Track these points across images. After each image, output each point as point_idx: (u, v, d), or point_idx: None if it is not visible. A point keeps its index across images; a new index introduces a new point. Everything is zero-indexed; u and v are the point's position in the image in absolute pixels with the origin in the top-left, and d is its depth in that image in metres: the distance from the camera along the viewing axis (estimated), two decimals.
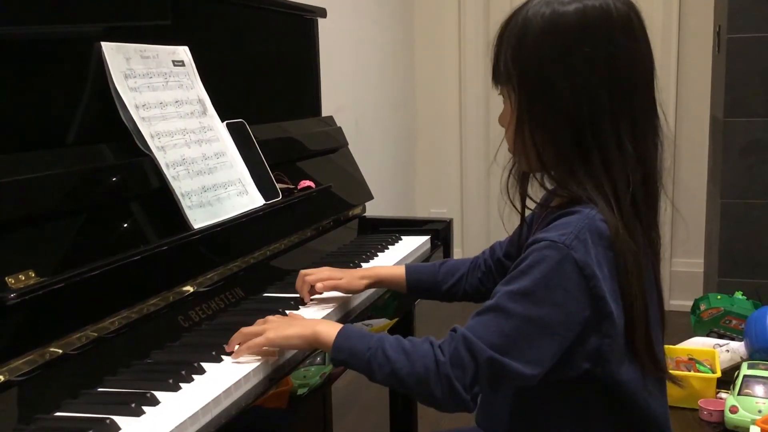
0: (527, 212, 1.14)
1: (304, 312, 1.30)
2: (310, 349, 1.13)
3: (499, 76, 1.04)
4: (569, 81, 0.97)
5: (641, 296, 0.99)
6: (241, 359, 1.07)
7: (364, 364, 1.02)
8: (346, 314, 1.35)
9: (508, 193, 1.10)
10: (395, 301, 1.48)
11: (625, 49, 0.97)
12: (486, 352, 0.95)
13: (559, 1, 0.98)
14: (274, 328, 1.08)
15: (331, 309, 1.31)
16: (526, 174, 1.09)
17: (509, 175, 1.09)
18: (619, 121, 0.98)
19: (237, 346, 1.09)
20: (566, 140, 0.98)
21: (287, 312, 1.27)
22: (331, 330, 1.06)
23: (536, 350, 0.95)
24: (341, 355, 1.04)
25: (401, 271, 1.37)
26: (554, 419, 1.07)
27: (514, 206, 1.11)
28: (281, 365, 1.11)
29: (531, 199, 1.12)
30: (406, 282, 1.37)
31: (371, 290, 1.44)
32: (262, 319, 1.13)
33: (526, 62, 0.99)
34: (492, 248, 1.37)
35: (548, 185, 1.09)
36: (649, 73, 1.01)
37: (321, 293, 1.35)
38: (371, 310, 1.41)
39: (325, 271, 1.35)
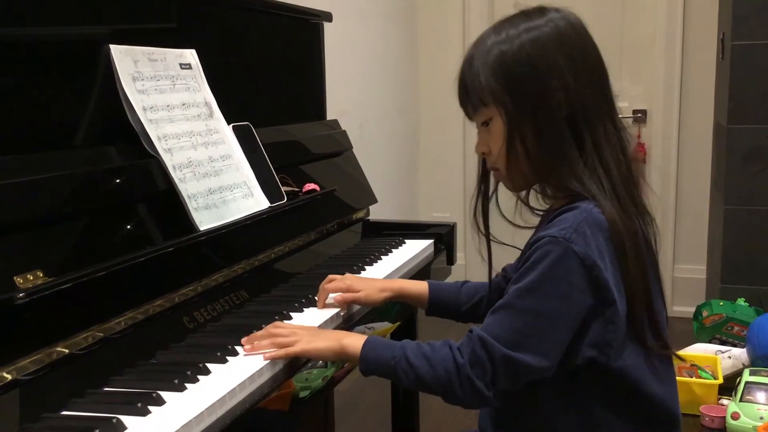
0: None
1: (307, 313, 1.30)
2: (339, 360, 1.20)
3: (479, 101, 1.10)
4: (558, 80, 1.05)
5: (642, 273, 1.04)
6: (248, 359, 1.09)
7: (390, 372, 1.08)
8: (348, 317, 1.36)
9: (476, 222, 1.19)
10: (397, 305, 1.49)
11: (590, 46, 1.11)
12: (500, 350, 1.01)
13: (529, 27, 1.07)
14: (307, 341, 1.12)
15: (334, 312, 1.31)
16: (487, 201, 1.19)
17: (476, 202, 1.18)
18: (601, 106, 1.08)
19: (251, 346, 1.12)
20: (565, 134, 1.06)
21: (291, 314, 1.28)
22: (357, 342, 1.11)
23: (547, 343, 1.01)
24: (368, 366, 1.10)
25: (425, 287, 1.38)
26: (557, 413, 1.08)
27: (481, 232, 1.19)
28: (285, 368, 1.12)
29: (533, 210, 1.18)
30: (428, 299, 1.38)
31: None
32: (287, 329, 1.15)
33: (513, 76, 1.06)
34: (504, 270, 1.37)
35: (538, 204, 1.16)
36: (604, 64, 1.12)
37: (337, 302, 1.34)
38: (373, 314, 1.42)
39: (347, 280, 1.36)
